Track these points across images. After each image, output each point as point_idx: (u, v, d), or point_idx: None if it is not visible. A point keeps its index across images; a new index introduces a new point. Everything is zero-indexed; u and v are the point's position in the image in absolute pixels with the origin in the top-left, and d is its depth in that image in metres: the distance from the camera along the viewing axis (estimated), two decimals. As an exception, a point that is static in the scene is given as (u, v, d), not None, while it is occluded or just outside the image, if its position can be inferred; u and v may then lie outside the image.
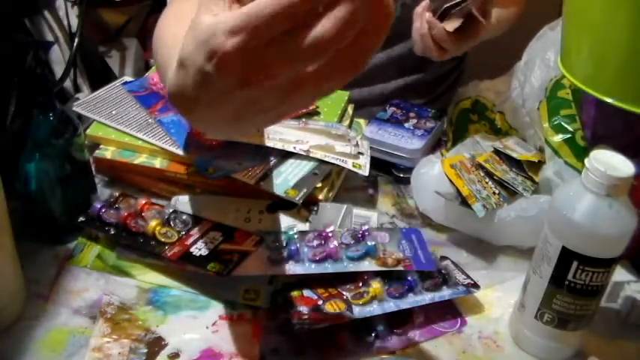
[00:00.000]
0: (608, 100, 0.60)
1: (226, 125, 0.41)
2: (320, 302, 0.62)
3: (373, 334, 0.63)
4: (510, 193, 0.75)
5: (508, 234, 0.74)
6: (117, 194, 0.73)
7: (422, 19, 0.83)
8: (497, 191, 0.75)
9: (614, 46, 0.59)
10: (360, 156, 0.79)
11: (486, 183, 0.75)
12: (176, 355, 0.60)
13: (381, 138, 0.87)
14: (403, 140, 0.87)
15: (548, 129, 0.76)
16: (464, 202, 0.72)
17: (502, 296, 0.69)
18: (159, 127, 0.81)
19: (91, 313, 0.63)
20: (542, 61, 0.81)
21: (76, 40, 1.01)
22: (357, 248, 0.67)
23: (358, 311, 0.62)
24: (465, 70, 1.16)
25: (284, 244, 0.67)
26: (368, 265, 0.66)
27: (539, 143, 0.78)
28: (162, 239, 0.67)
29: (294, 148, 0.77)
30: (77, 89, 1.21)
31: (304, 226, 0.72)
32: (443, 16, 0.83)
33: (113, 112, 0.83)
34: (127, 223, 0.69)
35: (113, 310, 0.64)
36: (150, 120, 0.82)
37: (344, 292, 0.64)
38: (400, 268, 0.66)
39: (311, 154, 0.76)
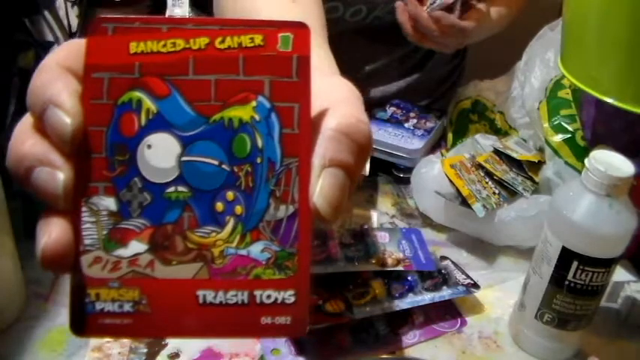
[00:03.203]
0: (608, 100, 0.60)
1: None
2: (320, 302, 0.62)
3: (373, 334, 0.63)
4: (510, 193, 0.75)
5: (508, 234, 0.74)
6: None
7: (411, 4, 0.82)
8: (497, 191, 0.75)
9: (614, 46, 0.59)
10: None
11: (486, 183, 0.75)
12: (176, 355, 0.60)
13: (381, 138, 0.87)
14: (403, 140, 0.87)
15: (548, 129, 0.76)
16: (464, 202, 0.72)
17: (502, 296, 0.69)
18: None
19: (91, 313, 0.63)
20: (542, 61, 0.80)
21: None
22: (357, 248, 0.67)
23: (358, 311, 0.62)
24: (465, 70, 1.16)
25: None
26: (368, 265, 0.66)
27: (539, 143, 0.78)
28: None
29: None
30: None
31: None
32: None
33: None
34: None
35: (113, 310, 0.64)
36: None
37: (344, 292, 0.64)
38: (400, 268, 0.66)
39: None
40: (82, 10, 1.12)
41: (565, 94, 0.77)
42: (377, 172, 0.86)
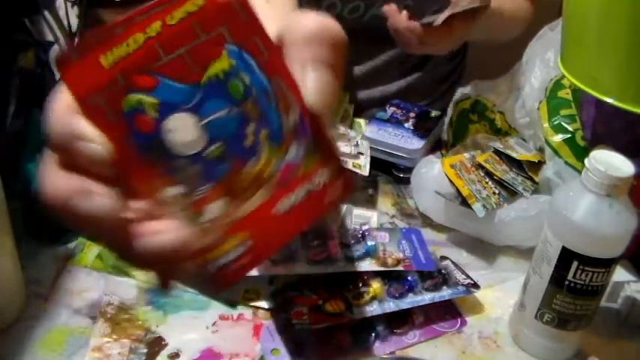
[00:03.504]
0: (608, 100, 0.60)
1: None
2: (320, 302, 0.62)
3: (373, 334, 0.63)
4: (510, 193, 0.75)
5: (508, 234, 0.74)
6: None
7: (395, 15, 0.80)
8: (497, 191, 0.75)
9: (614, 46, 0.59)
10: (360, 156, 0.79)
11: (486, 183, 0.75)
12: (176, 355, 0.60)
13: (381, 138, 0.87)
14: (403, 140, 0.87)
15: (548, 129, 0.76)
16: (464, 202, 0.72)
17: (502, 296, 0.69)
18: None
19: (91, 313, 0.63)
20: (542, 61, 0.80)
21: (76, 40, 1.01)
22: (357, 248, 0.67)
23: (358, 311, 0.62)
24: (465, 70, 1.16)
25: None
26: (368, 265, 0.66)
27: (539, 143, 0.78)
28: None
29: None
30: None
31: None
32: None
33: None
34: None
35: (113, 310, 0.64)
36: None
37: (344, 292, 0.64)
38: (400, 268, 0.66)
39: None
40: (82, 10, 1.12)
41: (565, 94, 0.77)
42: (377, 172, 0.86)
